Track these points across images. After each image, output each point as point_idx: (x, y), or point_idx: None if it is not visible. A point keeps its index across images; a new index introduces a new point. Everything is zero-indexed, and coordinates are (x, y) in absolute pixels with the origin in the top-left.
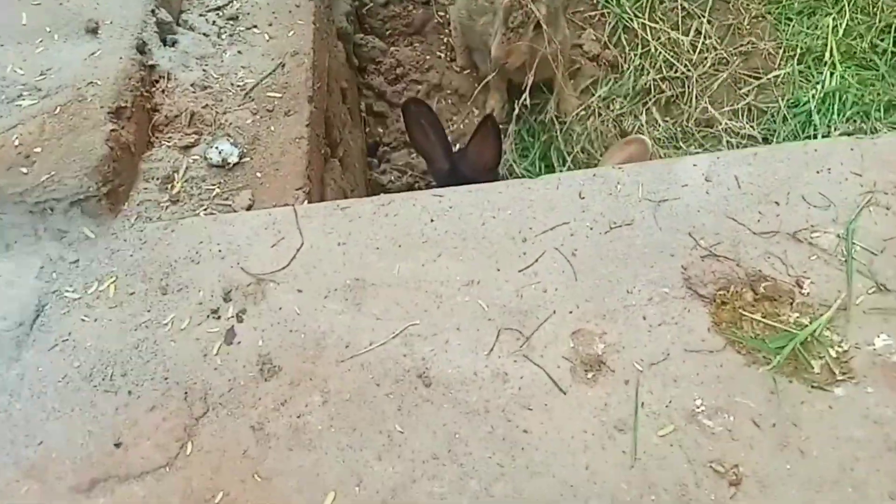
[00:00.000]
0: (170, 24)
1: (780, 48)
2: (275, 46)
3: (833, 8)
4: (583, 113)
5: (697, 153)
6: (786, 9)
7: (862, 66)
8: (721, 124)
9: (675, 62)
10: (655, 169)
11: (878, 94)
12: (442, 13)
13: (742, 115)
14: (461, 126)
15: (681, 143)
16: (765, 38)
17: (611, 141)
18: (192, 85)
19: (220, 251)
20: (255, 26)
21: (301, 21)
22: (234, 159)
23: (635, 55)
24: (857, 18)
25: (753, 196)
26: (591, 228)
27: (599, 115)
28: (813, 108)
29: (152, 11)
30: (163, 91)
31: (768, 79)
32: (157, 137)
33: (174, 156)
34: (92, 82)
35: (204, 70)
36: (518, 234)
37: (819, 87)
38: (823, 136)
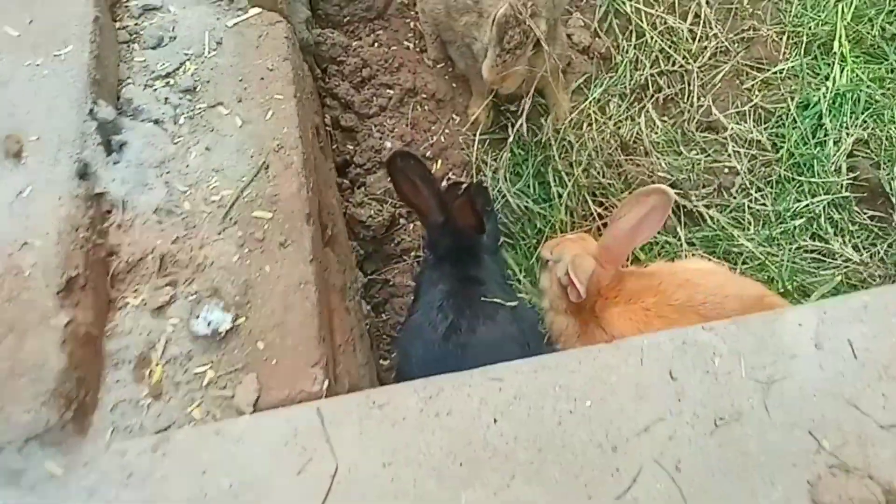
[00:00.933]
0: (113, 123)
1: (784, 34)
2: (251, 136)
3: None
4: (576, 118)
5: (801, 306)
6: None
7: (871, 56)
8: (728, 130)
9: (673, 53)
10: (755, 329)
11: (892, 93)
12: None
13: (748, 118)
14: (441, 138)
15: (682, 148)
16: (766, 20)
17: (611, 155)
18: (155, 211)
19: (230, 487)
20: (221, 103)
21: (279, 95)
22: (226, 326)
23: (629, 45)
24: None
25: (872, 370)
26: (693, 427)
27: (596, 121)
28: (824, 110)
29: (90, 112)
30: (119, 227)
31: (773, 73)
32: (119, 294)
33: (146, 323)
34: (27, 243)
35: (167, 184)
36: (606, 440)
37: (829, 83)
38: (835, 142)
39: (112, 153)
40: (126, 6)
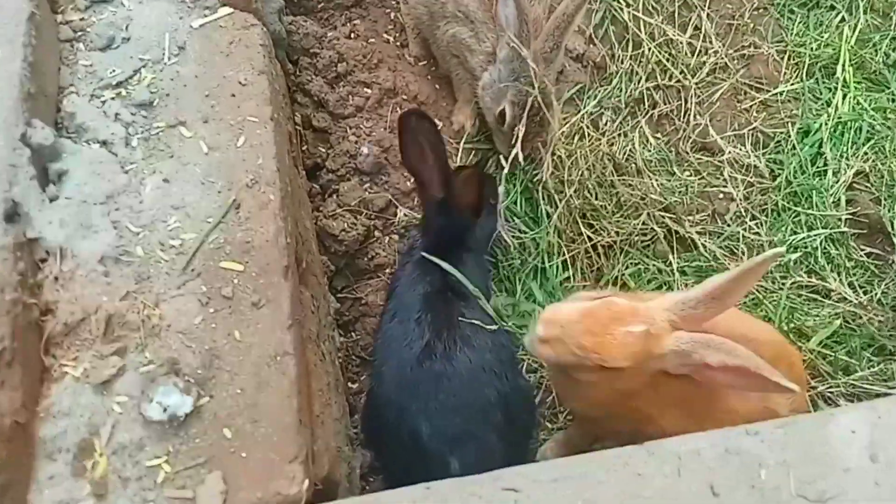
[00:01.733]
0: (51, 148)
1: (785, 53)
2: (219, 166)
3: (841, 2)
4: (567, 130)
5: (849, 405)
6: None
7: (873, 82)
8: (724, 153)
9: (671, 66)
10: (804, 436)
11: (894, 124)
12: None
13: (746, 141)
14: None
15: (675, 169)
16: (768, 37)
17: (603, 174)
18: (100, 260)
19: None
20: (183, 123)
21: (253, 117)
22: (185, 410)
23: (625, 55)
24: (870, 20)
25: None
26: None
27: (588, 136)
28: (825, 138)
29: (22, 136)
30: (56, 279)
31: (773, 94)
32: (55, 362)
33: (89, 402)
34: None
35: (115, 225)
36: None
37: (830, 110)
38: (835, 173)
39: (49, 185)
40: None
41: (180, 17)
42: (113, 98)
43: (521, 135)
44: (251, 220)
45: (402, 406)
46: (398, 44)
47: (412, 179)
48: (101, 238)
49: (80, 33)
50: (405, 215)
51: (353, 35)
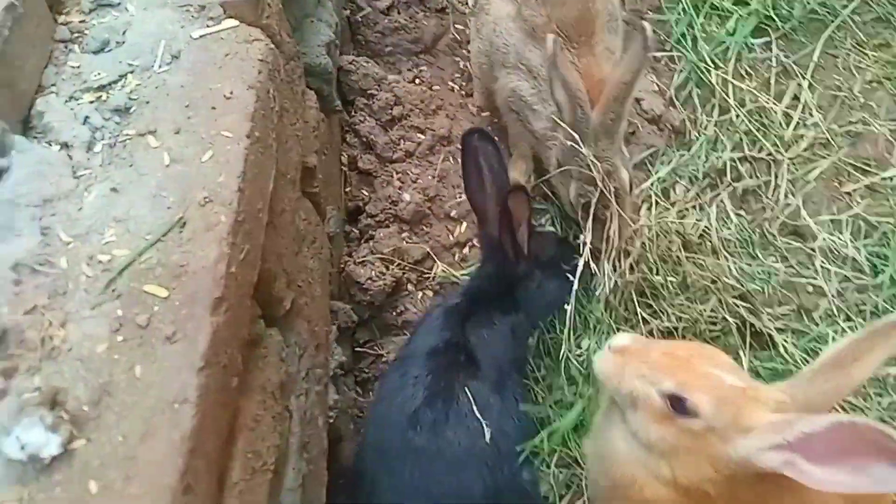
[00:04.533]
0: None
1: None
2: (177, 180)
3: None
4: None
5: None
6: None
7: None
8: (817, 239)
9: (761, 138)
10: None
11: None
12: (460, 25)
13: (844, 228)
14: None
15: (758, 252)
16: (881, 114)
17: (669, 248)
18: (13, 267)
19: None
20: (153, 132)
21: (228, 132)
22: (50, 452)
23: (709, 121)
24: None
25: None
26: None
27: (657, 204)
28: None
29: None
30: None
31: (882, 179)
32: None
33: None
34: None
35: (45, 231)
36: None
37: None
38: None
39: None
40: None
41: (181, 26)
42: (90, 101)
43: (588, 240)
44: (193, 241)
45: (376, 478)
46: (463, 93)
47: (456, 231)
48: (22, 243)
49: (77, 35)
50: (443, 271)
51: (416, 80)
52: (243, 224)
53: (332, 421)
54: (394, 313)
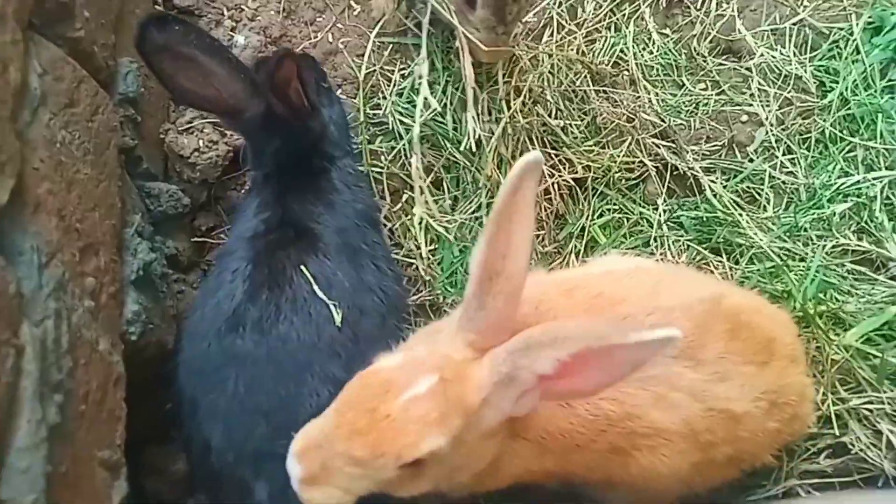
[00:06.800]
0: None
1: None
2: None
3: None
4: (534, 18)
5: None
6: None
7: None
8: (755, 56)
9: None
10: None
11: None
12: None
13: (788, 40)
14: (329, 36)
15: (684, 78)
16: None
17: (573, 82)
18: None
19: None
20: None
21: None
22: None
23: None
24: None
25: None
26: None
27: (560, 27)
28: None
29: None
30: None
31: None
32: None
33: None
34: None
35: None
36: None
37: None
38: None
39: None
40: None
41: None
42: None
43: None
44: None
45: (195, 402)
46: None
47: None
48: None
49: None
50: None
51: None
52: None
53: (146, 335)
54: (241, 191)
